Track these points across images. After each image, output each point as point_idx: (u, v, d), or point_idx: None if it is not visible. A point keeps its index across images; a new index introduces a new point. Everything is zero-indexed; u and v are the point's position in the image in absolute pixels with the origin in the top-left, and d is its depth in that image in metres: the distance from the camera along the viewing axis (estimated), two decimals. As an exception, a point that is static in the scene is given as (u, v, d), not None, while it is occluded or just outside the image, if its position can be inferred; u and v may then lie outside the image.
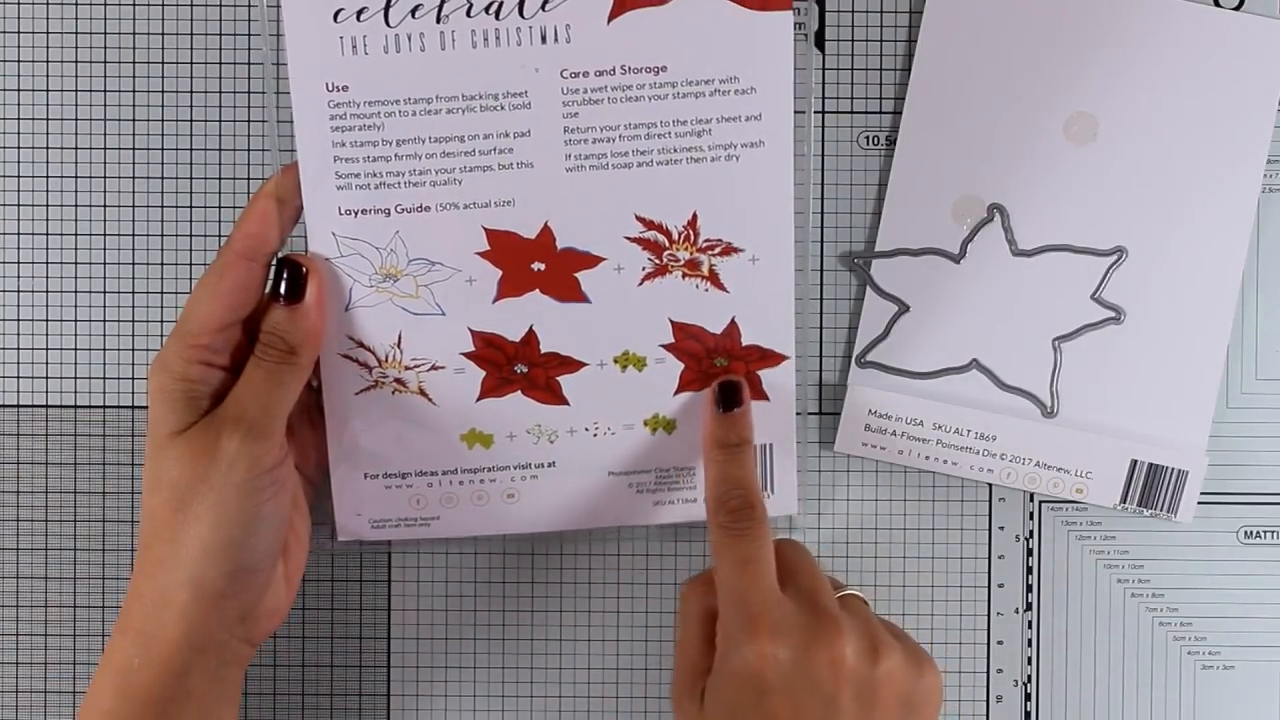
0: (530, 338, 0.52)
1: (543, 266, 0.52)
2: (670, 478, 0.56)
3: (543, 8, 0.49)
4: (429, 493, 0.55)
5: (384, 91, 0.49)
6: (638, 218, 0.51)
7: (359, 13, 0.49)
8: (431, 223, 0.51)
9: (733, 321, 0.53)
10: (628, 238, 0.51)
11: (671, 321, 0.53)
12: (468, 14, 0.49)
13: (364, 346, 0.52)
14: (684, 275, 0.52)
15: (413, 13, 0.49)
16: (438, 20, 0.49)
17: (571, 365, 0.53)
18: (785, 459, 0.56)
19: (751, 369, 0.54)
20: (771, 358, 0.54)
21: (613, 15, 0.49)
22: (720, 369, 0.54)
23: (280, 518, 0.50)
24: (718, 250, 0.52)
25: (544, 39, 0.49)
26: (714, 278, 0.52)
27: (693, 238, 0.52)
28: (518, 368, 0.53)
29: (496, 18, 0.49)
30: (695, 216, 0.51)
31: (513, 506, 0.56)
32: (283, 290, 0.50)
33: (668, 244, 0.52)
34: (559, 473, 0.55)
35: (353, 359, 0.53)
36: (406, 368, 0.53)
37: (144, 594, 0.50)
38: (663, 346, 0.53)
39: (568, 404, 0.54)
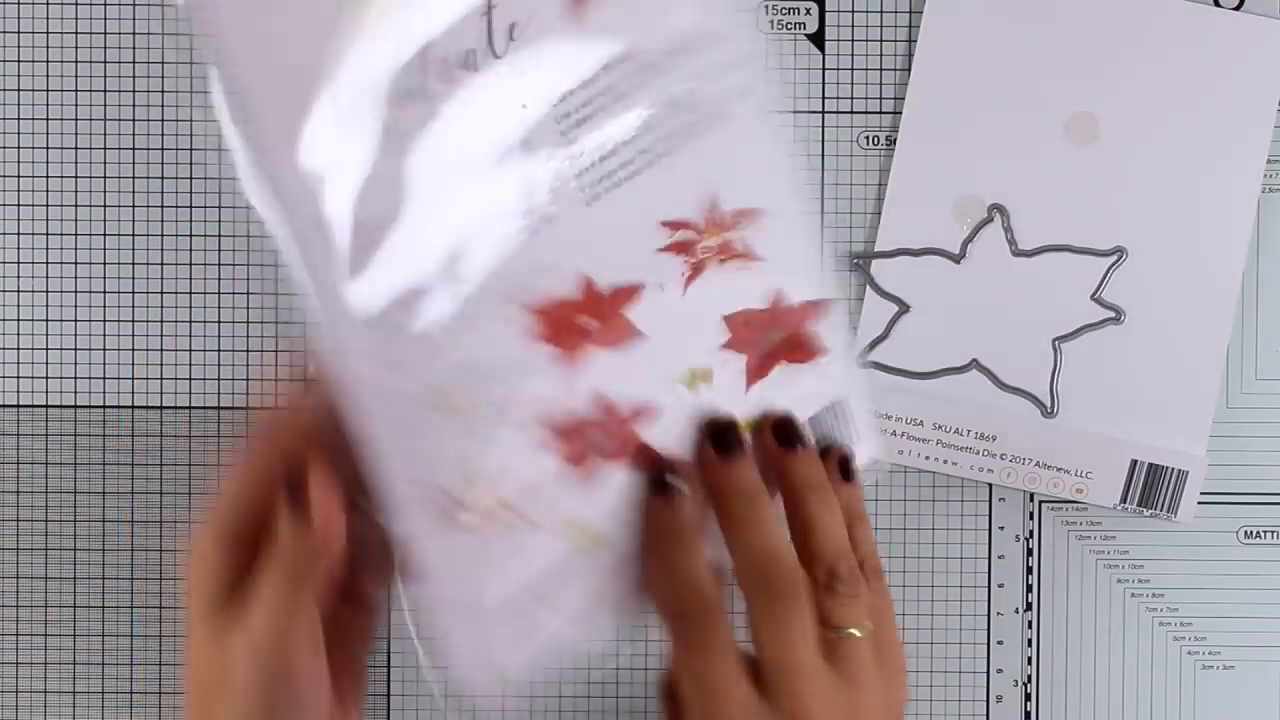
0: (605, 405, 0.45)
1: (594, 322, 0.45)
2: None
3: (510, 37, 0.42)
4: (555, 620, 0.47)
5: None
6: (662, 223, 0.45)
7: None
8: (468, 323, 0.43)
9: (775, 288, 0.47)
10: (659, 249, 0.45)
11: (723, 318, 0.47)
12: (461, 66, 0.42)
13: (433, 485, 0.45)
14: (720, 262, 0.46)
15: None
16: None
17: (649, 413, 0.46)
18: (860, 404, 0.50)
19: (806, 329, 0.48)
20: (819, 306, 0.48)
21: (576, 9, 0.43)
22: (777, 344, 0.47)
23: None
24: (744, 222, 0.46)
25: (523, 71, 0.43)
26: (748, 252, 0.46)
27: (718, 219, 0.46)
28: (593, 437, 0.46)
29: (475, 70, 0.42)
30: (715, 195, 0.46)
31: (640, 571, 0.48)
32: (287, 499, 0.43)
33: (697, 237, 0.46)
34: None
35: (425, 499, 0.45)
36: (484, 495, 0.45)
37: None
38: (721, 348, 0.47)
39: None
